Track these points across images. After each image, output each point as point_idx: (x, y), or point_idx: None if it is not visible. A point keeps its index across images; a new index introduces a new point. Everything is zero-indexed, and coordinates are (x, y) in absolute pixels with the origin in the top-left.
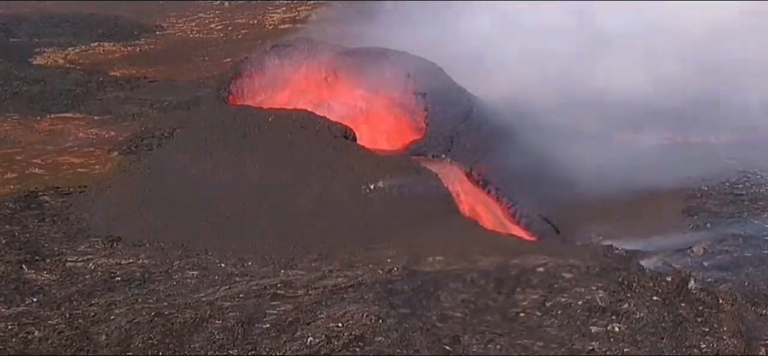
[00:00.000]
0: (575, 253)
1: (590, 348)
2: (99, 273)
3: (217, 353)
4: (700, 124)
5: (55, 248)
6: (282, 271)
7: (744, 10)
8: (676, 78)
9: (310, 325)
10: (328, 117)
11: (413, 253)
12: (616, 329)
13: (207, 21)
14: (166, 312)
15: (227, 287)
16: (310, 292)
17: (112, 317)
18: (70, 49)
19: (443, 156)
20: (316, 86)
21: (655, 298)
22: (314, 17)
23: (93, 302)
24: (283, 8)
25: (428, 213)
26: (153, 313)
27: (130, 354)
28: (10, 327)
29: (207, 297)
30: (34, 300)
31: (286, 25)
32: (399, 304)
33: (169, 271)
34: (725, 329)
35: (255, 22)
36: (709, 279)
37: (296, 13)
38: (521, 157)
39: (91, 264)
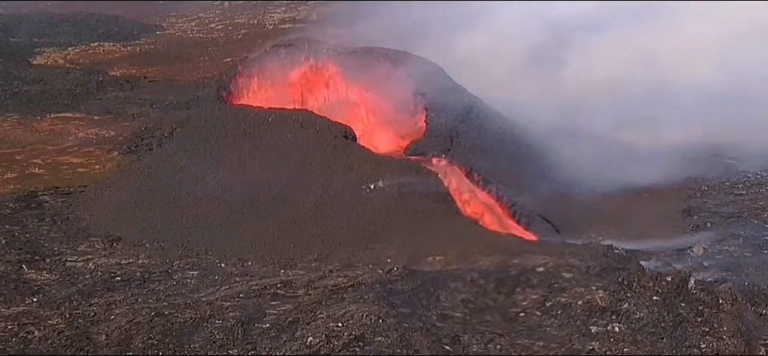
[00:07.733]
0: (575, 253)
1: (590, 348)
2: (99, 273)
3: (217, 353)
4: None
5: (55, 248)
6: (282, 271)
7: None
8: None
9: (310, 325)
10: (328, 116)
11: (413, 253)
12: (616, 329)
13: (207, 21)
14: (166, 312)
15: (227, 287)
16: (310, 292)
17: (112, 317)
18: (70, 49)
19: (443, 156)
20: (317, 86)
21: (655, 298)
22: (314, 17)
23: (93, 302)
24: (283, 8)
25: (428, 213)
26: (153, 313)
27: (130, 354)
28: (10, 327)
29: (207, 297)
30: (34, 300)
31: (286, 25)
32: (399, 304)
33: (169, 271)
34: (725, 329)
35: (255, 22)
36: (709, 279)
37: (296, 13)
38: (521, 156)
39: (91, 264)
